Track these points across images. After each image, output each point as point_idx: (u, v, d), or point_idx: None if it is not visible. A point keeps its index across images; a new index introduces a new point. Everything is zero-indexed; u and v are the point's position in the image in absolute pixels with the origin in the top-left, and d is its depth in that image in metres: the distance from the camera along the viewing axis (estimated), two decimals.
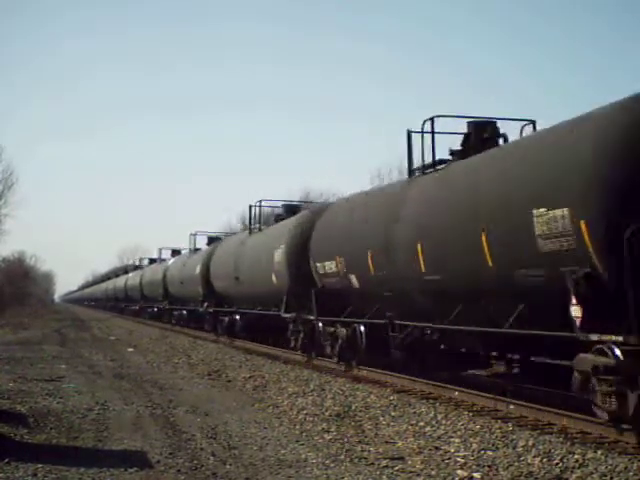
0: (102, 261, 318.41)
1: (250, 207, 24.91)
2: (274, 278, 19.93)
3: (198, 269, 30.49)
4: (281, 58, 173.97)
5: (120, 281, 64.06)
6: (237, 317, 25.64)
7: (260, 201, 24.62)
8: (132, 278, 55.76)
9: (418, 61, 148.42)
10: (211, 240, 34.72)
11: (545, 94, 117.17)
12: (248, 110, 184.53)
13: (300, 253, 18.34)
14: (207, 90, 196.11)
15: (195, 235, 36.45)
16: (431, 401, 11.93)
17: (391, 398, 12.23)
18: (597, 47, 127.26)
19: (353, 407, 11.46)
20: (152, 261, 53.79)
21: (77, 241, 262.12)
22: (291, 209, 23.40)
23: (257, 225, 24.49)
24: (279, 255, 19.55)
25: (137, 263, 63.17)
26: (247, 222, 32.19)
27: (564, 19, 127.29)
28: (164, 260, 45.74)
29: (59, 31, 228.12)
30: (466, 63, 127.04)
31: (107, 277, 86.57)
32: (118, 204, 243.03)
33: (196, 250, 35.53)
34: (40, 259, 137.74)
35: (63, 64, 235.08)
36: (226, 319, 26.87)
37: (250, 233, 24.65)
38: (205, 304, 29.92)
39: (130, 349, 24.28)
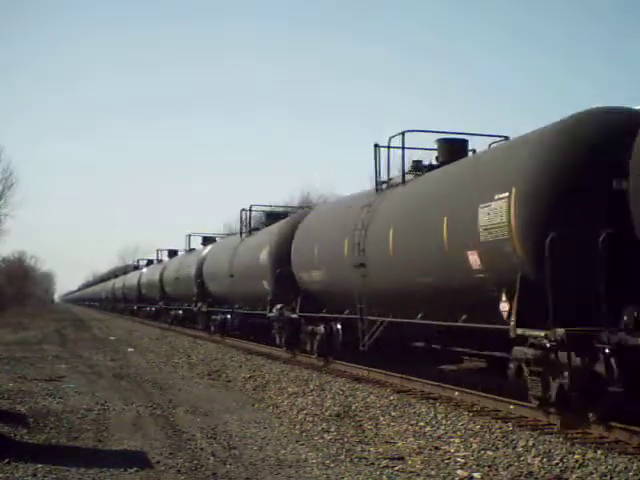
0: (102, 261, 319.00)
1: (376, 147, 14.91)
2: (475, 261, 10.62)
3: (264, 256, 21.11)
4: (281, 58, 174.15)
5: (131, 278, 54.66)
6: (338, 326, 16.74)
7: (405, 135, 14.32)
8: (147, 274, 47.27)
9: (418, 61, 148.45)
10: (273, 217, 24.93)
11: (545, 95, 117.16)
12: (248, 110, 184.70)
13: (555, 206, 9.31)
14: (207, 90, 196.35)
15: (249, 211, 26.04)
16: (431, 401, 11.92)
17: (391, 398, 12.23)
18: (597, 48, 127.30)
19: (353, 407, 11.46)
20: (172, 253, 45.47)
21: (77, 241, 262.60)
22: (455, 147, 13.85)
23: (387, 178, 15.13)
24: (498, 210, 10.00)
25: (154, 257, 52.37)
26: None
27: (564, 20, 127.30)
28: (193, 250, 36.84)
29: (59, 31, 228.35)
30: (467, 64, 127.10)
31: (113, 274, 77.46)
32: (118, 204, 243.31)
33: (252, 231, 25.41)
34: (40, 259, 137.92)
35: (63, 64, 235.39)
36: (321, 329, 17.49)
37: (379, 190, 15.20)
38: (277, 307, 20.06)
39: (130, 349, 24.27)
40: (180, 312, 36.61)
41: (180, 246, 44.25)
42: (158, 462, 7.82)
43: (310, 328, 18.17)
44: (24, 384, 13.97)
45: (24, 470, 7.36)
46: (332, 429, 9.72)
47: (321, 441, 9.01)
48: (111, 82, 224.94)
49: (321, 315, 17.52)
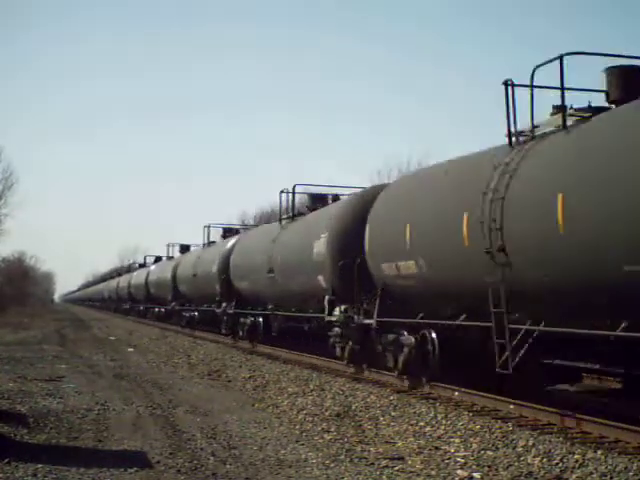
0: (102, 261, 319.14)
1: (509, 86, 10.85)
2: None
3: (321, 245, 16.78)
4: (281, 59, 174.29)
5: (138, 276, 50.43)
6: (433, 335, 12.43)
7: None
8: (157, 272, 42.97)
9: (419, 62, 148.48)
10: (320, 200, 20.43)
11: (545, 95, 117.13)
12: (248, 111, 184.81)
13: None
14: (207, 91, 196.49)
15: (292, 193, 21.14)
16: (431, 401, 11.92)
17: (391, 398, 12.23)
18: (597, 48, 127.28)
19: (353, 407, 11.46)
20: (184, 248, 41.42)
21: (77, 241, 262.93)
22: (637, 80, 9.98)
23: (531, 127, 10.67)
24: None
25: (157, 254, 48.06)
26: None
27: (565, 20, 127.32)
28: (213, 243, 32.39)
29: (60, 32, 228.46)
30: (467, 64, 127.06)
31: (117, 273, 74.22)
32: (118, 204, 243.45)
33: (296, 217, 20.81)
34: (40, 259, 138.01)
35: (63, 65, 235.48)
36: (409, 339, 13.10)
37: (514, 144, 10.86)
38: (340, 308, 15.60)
39: (130, 349, 24.27)
40: (196, 314, 32.33)
41: (192, 241, 41.17)
42: (158, 462, 7.82)
43: (392, 338, 13.61)
44: (24, 384, 13.96)
45: (24, 470, 7.35)
46: (332, 429, 9.71)
47: (321, 441, 9.00)
48: (112, 83, 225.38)
49: (413, 321, 12.82)
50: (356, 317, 14.94)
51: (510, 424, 9.80)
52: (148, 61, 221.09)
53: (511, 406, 10.80)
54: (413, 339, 12.95)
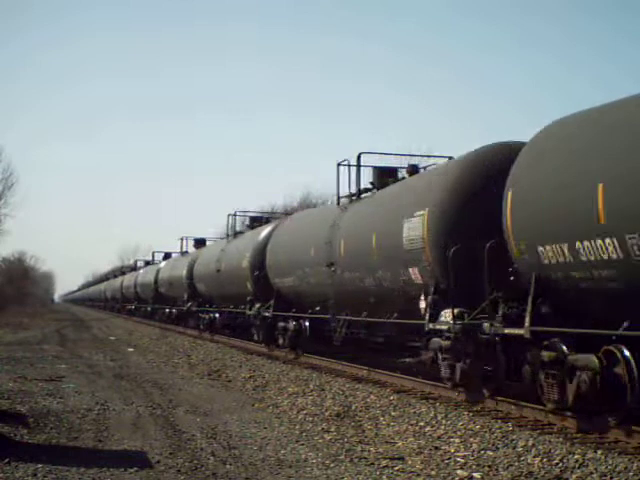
0: (102, 261, 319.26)
1: None
2: None
3: (416, 228, 12.30)
4: (282, 58, 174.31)
5: (145, 275, 46.69)
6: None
7: None
8: (167, 269, 38.52)
9: (419, 61, 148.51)
10: (387, 174, 16.03)
11: (545, 95, 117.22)
12: (248, 110, 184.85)
13: None
14: (208, 91, 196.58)
15: (357, 166, 16.68)
16: (431, 401, 11.91)
17: (391, 398, 12.23)
18: (597, 48, 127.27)
19: (353, 407, 11.45)
20: (199, 243, 36.93)
21: (77, 241, 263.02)
22: None
23: None
24: None
25: (181, 248, 40.55)
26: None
27: (564, 20, 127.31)
28: (241, 233, 27.37)
29: (60, 32, 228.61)
30: (466, 64, 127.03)
31: (120, 272, 71.66)
32: (118, 204, 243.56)
33: (360, 194, 16.53)
34: (40, 259, 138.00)
35: (64, 65, 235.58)
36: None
37: None
38: (453, 312, 11.21)
39: (130, 349, 24.28)
40: (217, 315, 28.24)
41: (204, 234, 38.39)
42: (158, 462, 7.82)
43: (550, 356, 9.24)
44: (24, 384, 13.96)
45: (24, 470, 7.35)
46: (332, 429, 9.72)
47: (321, 441, 9.00)
48: (112, 83, 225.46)
49: (626, 333, 8.15)
50: (486, 325, 10.59)
51: (510, 424, 9.80)
52: (148, 61, 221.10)
53: (511, 406, 10.80)
54: (596, 360, 8.57)
